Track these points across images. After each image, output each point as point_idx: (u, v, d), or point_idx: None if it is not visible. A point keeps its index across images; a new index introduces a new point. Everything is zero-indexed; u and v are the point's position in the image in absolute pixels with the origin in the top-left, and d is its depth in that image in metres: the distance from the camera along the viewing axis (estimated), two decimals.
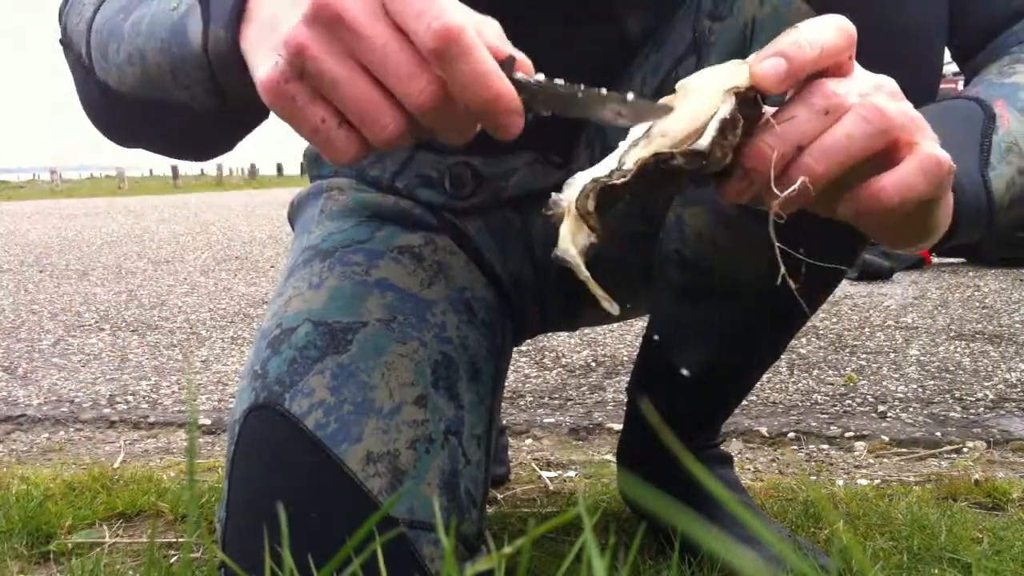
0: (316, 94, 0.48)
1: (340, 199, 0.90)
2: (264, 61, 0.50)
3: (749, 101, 0.48)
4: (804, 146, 0.48)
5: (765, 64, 0.48)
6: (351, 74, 0.47)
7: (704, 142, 0.48)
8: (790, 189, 0.47)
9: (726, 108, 0.48)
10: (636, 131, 0.52)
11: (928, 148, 0.48)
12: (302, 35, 0.46)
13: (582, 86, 0.48)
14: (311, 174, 0.98)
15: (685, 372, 0.90)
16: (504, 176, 0.89)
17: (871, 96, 0.48)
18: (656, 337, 0.93)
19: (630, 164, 0.49)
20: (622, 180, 0.48)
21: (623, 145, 0.51)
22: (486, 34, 0.47)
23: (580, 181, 0.50)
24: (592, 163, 0.89)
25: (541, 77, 0.47)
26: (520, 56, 0.48)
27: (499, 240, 0.91)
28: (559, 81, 0.48)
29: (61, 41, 0.78)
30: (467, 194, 0.89)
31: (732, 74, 0.49)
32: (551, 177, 0.90)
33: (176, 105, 0.65)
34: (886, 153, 0.48)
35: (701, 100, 0.50)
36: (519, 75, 0.46)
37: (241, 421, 0.73)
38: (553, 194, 0.50)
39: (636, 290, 0.94)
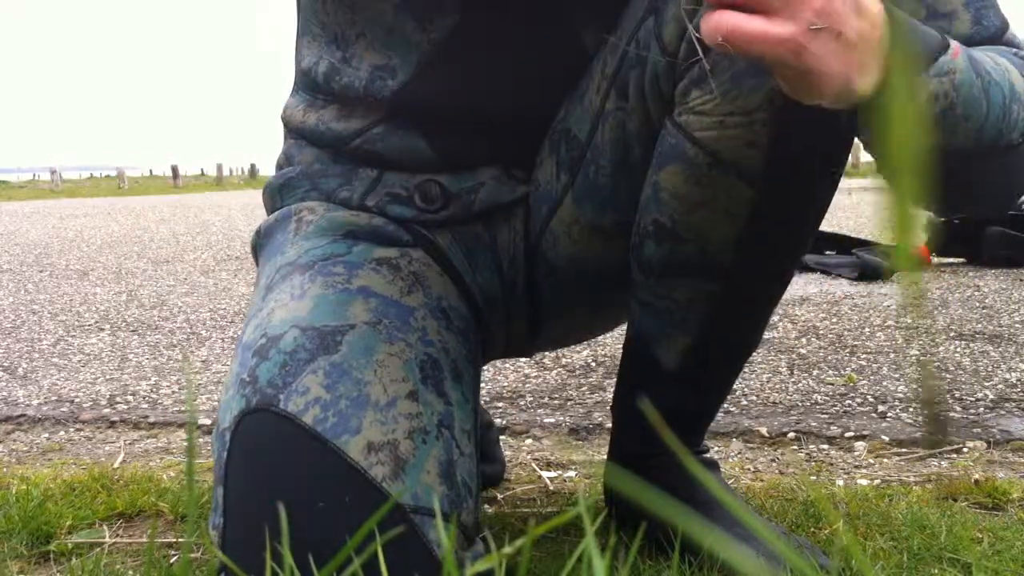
0: None
1: (312, 220, 0.91)
2: None
3: None
4: None
5: None
6: None
7: None
8: None
9: None
10: None
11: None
12: None
13: None
14: (274, 205, 0.97)
15: (666, 363, 0.90)
16: (472, 190, 0.91)
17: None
18: (636, 331, 0.94)
19: None
20: None
21: None
22: None
23: None
24: (557, 172, 0.92)
25: None
26: None
27: (468, 253, 0.94)
28: None
29: None
30: (437, 208, 0.91)
31: None
32: (516, 190, 0.92)
33: None
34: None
35: None
36: None
37: (232, 428, 0.73)
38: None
39: (615, 298, 0.95)
